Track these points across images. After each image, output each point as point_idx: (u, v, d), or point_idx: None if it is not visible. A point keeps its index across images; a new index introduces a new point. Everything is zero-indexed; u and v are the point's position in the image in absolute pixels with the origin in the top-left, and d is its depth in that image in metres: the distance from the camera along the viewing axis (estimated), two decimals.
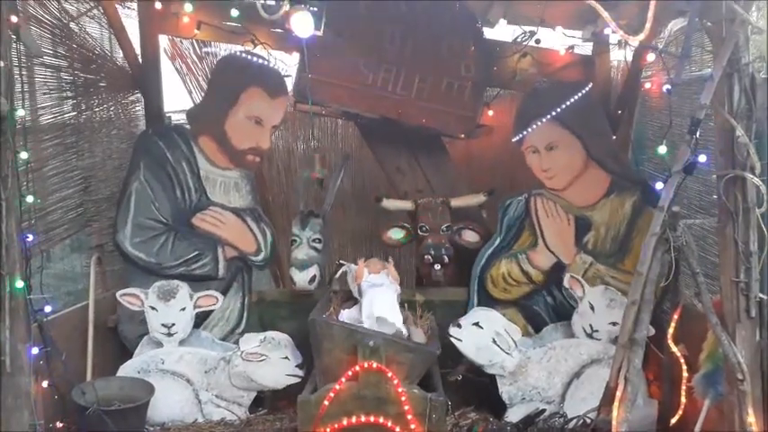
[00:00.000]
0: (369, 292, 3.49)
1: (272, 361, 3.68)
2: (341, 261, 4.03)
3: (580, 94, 4.14)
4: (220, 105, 4.24)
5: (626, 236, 4.06)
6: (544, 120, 4.12)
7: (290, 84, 4.40)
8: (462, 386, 3.78)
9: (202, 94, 4.87)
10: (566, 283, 3.93)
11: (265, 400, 3.89)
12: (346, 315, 3.48)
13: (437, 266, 4.04)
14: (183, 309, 3.86)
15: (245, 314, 4.18)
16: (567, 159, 4.16)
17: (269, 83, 4.26)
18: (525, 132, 4.17)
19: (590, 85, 4.23)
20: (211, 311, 4.03)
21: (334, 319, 3.44)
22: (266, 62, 4.36)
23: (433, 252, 4.03)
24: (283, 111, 4.38)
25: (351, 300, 3.78)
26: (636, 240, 3.98)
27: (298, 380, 3.68)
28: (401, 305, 3.65)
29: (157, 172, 4.15)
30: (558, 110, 4.10)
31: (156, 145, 4.19)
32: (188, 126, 4.36)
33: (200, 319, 4.01)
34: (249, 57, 4.32)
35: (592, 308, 3.83)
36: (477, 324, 3.68)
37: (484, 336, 3.66)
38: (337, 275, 3.93)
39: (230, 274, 4.18)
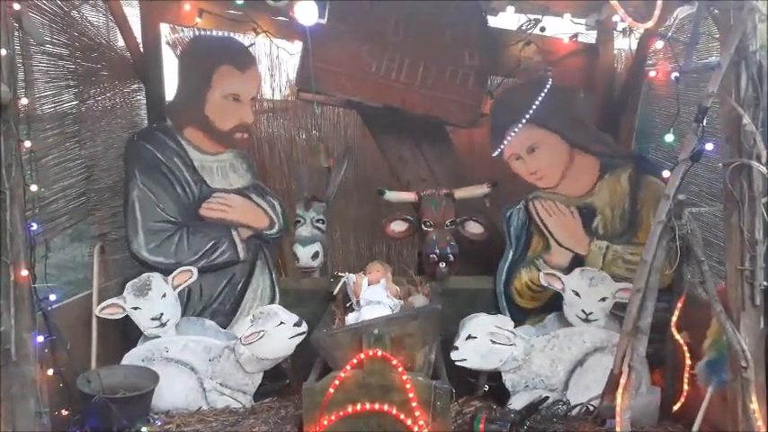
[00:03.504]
0: (364, 311, 3.47)
1: (270, 333, 3.68)
2: (339, 273, 4.01)
3: (545, 91, 4.12)
4: (195, 92, 4.23)
5: (632, 210, 4.07)
6: (518, 127, 4.13)
7: (253, 52, 4.41)
8: (491, 394, 3.80)
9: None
10: (543, 281, 3.91)
11: (287, 372, 3.85)
12: (353, 318, 3.49)
13: (442, 265, 4.01)
14: (164, 295, 3.86)
15: (276, 289, 4.21)
16: (551, 156, 4.18)
17: (236, 57, 4.25)
18: (504, 144, 4.18)
19: (550, 80, 4.19)
20: (243, 295, 4.08)
21: (333, 327, 3.46)
22: (227, 37, 4.34)
23: (438, 251, 4.01)
24: (257, 82, 4.39)
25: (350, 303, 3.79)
26: (643, 211, 4.01)
27: (303, 336, 3.68)
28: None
29: (153, 175, 4.14)
30: (529, 113, 4.10)
31: (144, 149, 4.17)
32: (170, 122, 4.31)
33: (235, 305, 4.08)
34: (210, 37, 4.31)
35: (577, 294, 3.83)
36: (470, 337, 3.68)
37: (481, 343, 3.67)
38: (336, 290, 3.89)
39: (251, 255, 4.19)
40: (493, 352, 3.66)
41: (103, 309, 3.80)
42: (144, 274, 3.91)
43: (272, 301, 4.16)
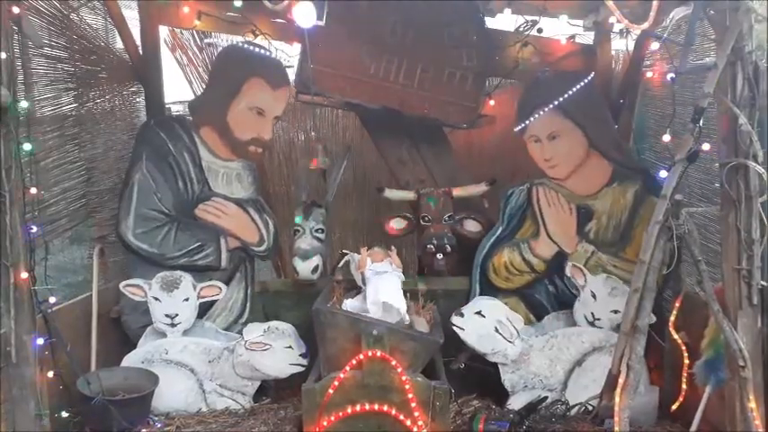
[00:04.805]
0: (373, 279, 3.50)
1: (275, 350, 3.70)
2: (344, 251, 4.03)
3: (582, 84, 4.14)
4: (222, 96, 4.24)
5: (627, 225, 4.07)
6: (546, 109, 4.13)
7: (291, 74, 4.40)
8: (465, 374, 3.80)
9: (203, 85, 4.86)
10: (568, 272, 3.96)
11: (269, 390, 3.92)
12: (350, 305, 3.48)
13: (439, 256, 4.04)
14: (187, 299, 3.87)
15: (248, 304, 4.19)
16: (568, 149, 4.17)
17: (271, 74, 4.26)
18: (528, 122, 4.18)
19: (592, 75, 4.23)
20: (215, 302, 4.04)
21: (338, 308, 3.46)
22: (268, 53, 4.36)
23: (435, 242, 4.04)
24: (285, 102, 4.38)
25: (354, 289, 3.79)
26: (638, 229, 3.98)
27: (301, 369, 3.70)
28: (404, 294, 3.66)
29: (159, 163, 4.14)
30: (561, 99, 4.10)
31: (157, 136, 4.19)
32: (190, 117, 4.36)
33: (204, 310, 4.02)
34: (251, 48, 4.31)
35: (594, 296, 3.85)
36: (479, 313, 3.71)
37: (486, 324, 3.69)
38: (340, 265, 3.93)
39: (233, 265, 4.19)
40: (490, 338, 3.67)
41: (128, 285, 3.85)
42: (177, 272, 3.93)
43: (239, 317, 4.14)
